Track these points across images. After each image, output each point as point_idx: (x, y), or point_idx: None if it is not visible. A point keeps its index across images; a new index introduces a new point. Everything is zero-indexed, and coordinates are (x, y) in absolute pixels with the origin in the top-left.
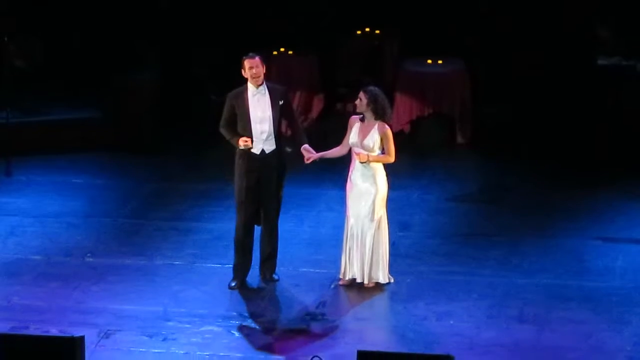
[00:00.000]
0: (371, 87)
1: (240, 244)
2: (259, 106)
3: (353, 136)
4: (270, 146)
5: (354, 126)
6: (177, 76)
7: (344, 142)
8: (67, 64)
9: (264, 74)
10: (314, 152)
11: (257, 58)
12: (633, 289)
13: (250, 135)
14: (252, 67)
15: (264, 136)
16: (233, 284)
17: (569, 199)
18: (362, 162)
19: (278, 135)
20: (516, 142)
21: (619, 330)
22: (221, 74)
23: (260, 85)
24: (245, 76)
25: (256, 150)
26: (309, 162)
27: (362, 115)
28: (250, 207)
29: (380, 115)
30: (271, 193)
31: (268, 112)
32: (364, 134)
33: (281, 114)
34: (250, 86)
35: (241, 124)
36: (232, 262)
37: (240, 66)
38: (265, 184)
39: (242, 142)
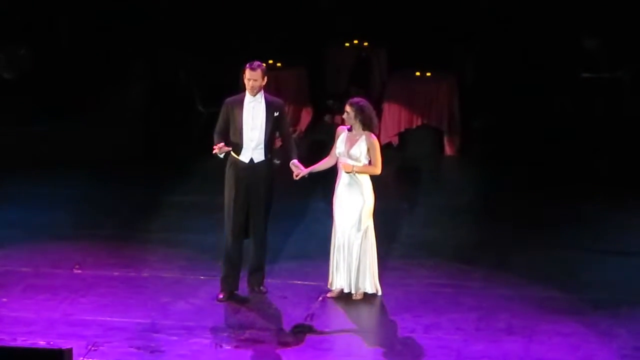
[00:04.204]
0: (356, 99)
1: (229, 255)
2: (253, 114)
3: (340, 145)
4: (259, 156)
5: (340, 136)
6: (165, 88)
7: (332, 152)
8: (55, 75)
9: (263, 86)
10: (302, 167)
11: (258, 70)
12: (622, 301)
13: (240, 142)
14: (250, 78)
15: (253, 144)
16: (221, 296)
17: (557, 211)
18: (347, 172)
19: (269, 147)
20: (504, 153)
21: (607, 342)
22: (210, 86)
23: (256, 94)
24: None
25: (245, 158)
26: (297, 178)
27: (350, 126)
28: (238, 218)
29: (367, 125)
30: (260, 205)
31: (260, 121)
32: (350, 143)
33: (274, 126)
34: (247, 94)
35: (233, 129)
36: (220, 274)
37: (241, 72)
38: (254, 195)
39: (216, 148)
